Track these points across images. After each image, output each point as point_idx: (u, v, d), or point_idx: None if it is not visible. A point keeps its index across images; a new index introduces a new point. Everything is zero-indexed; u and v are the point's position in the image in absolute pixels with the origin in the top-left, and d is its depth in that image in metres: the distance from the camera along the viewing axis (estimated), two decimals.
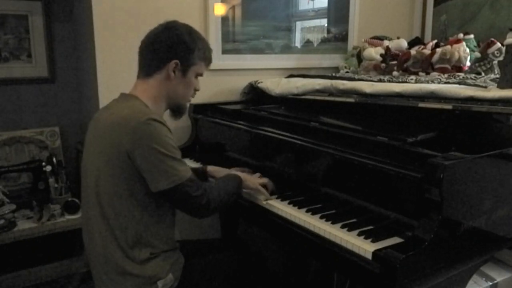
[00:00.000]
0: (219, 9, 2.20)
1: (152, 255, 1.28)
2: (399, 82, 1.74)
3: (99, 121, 1.33)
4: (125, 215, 1.24)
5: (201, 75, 1.42)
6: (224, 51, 2.24)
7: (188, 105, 1.47)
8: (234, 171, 1.57)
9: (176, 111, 1.44)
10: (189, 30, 1.37)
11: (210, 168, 1.65)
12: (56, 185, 2.21)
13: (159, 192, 1.22)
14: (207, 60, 1.42)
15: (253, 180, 1.50)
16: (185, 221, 1.40)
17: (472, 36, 2.02)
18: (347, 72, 2.39)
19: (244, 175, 1.50)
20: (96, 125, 1.33)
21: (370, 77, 2.01)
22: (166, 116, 1.41)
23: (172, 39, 1.32)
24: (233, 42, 2.28)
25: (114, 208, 1.24)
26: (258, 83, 2.20)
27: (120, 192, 1.23)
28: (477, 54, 1.84)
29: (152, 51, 1.33)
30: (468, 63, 1.89)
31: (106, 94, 1.98)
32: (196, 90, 1.43)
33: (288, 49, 2.46)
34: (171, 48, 1.31)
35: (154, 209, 1.27)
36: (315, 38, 2.56)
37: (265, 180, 1.51)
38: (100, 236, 1.27)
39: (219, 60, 2.21)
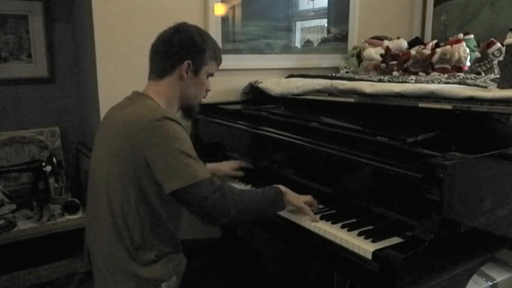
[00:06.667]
0: (219, 9, 2.20)
1: (157, 257, 1.27)
2: (399, 82, 1.74)
3: (112, 119, 1.32)
4: (133, 216, 1.23)
5: (212, 75, 1.42)
6: (224, 51, 2.23)
7: (199, 106, 1.46)
8: (276, 185, 1.40)
9: (188, 111, 1.44)
10: (199, 31, 1.38)
11: (209, 166, 1.63)
12: (56, 185, 2.21)
13: (173, 192, 1.18)
14: (218, 59, 1.42)
15: (297, 196, 1.36)
16: (185, 221, 1.40)
17: (472, 36, 2.02)
18: (347, 72, 2.39)
19: (286, 189, 1.36)
20: (108, 123, 1.32)
21: (370, 77, 2.01)
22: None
23: (183, 40, 1.32)
24: (233, 42, 2.28)
25: (123, 208, 1.23)
26: (258, 83, 2.20)
27: (130, 191, 1.22)
28: (477, 54, 1.84)
29: (164, 53, 1.33)
30: (468, 63, 1.89)
31: (106, 94, 1.98)
32: (207, 90, 1.44)
33: (288, 49, 2.46)
34: (183, 49, 1.32)
35: (162, 212, 1.26)
36: (315, 38, 2.56)
37: (308, 198, 1.37)
38: (107, 235, 1.26)
39: None
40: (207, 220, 1.24)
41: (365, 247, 1.10)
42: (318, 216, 1.31)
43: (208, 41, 1.38)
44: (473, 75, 1.79)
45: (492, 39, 1.81)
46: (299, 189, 1.48)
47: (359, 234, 1.17)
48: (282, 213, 1.37)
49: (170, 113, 1.27)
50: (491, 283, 1.61)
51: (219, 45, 2.20)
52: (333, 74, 2.32)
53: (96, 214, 1.30)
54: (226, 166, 1.71)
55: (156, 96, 1.32)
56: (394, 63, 2.07)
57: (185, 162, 1.18)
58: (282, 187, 1.37)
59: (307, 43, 2.54)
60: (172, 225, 1.31)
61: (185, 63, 1.32)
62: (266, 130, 1.69)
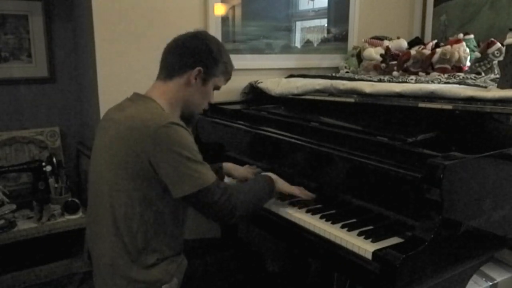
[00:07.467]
0: (219, 9, 2.20)
1: (159, 260, 1.27)
2: (399, 82, 1.74)
3: (112, 122, 1.29)
4: (137, 220, 1.22)
5: (218, 88, 1.42)
6: None
7: (198, 115, 1.46)
8: (265, 173, 1.48)
9: (187, 119, 1.41)
10: (218, 43, 1.39)
11: (226, 166, 1.64)
12: (56, 185, 2.21)
13: (183, 197, 1.19)
14: (228, 75, 1.42)
15: (286, 183, 1.43)
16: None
17: (472, 36, 2.02)
18: (347, 72, 2.39)
19: (276, 176, 1.43)
20: (109, 126, 1.29)
21: (370, 77, 2.01)
22: None
23: (200, 46, 1.33)
24: (233, 42, 2.28)
25: (126, 212, 1.22)
26: (258, 83, 2.20)
27: (134, 196, 1.21)
28: (477, 54, 1.84)
29: (178, 54, 1.33)
30: (468, 63, 1.89)
31: (106, 94, 1.98)
32: (209, 103, 1.43)
33: (288, 49, 2.46)
34: (197, 55, 1.32)
35: (167, 215, 1.26)
36: (315, 38, 2.56)
37: (299, 187, 1.45)
38: (108, 240, 1.25)
39: None
40: (216, 220, 1.29)
41: (365, 247, 1.10)
42: (317, 216, 1.31)
43: (223, 54, 1.38)
44: (473, 75, 1.79)
45: (492, 39, 1.81)
46: None
47: (359, 234, 1.17)
48: (283, 213, 1.37)
49: (175, 117, 1.26)
50: (491, 283, 1.61)
51: None
52: (333, 74, 2.32)
53: (97, 217, 1.29)
54: (243, 171, 1.64)
55: (159, 98, 1.30)
56: (394, 63, 2.07)
57: (193, 168, 1.18)
58: (272, 175, 1.42)
59: (307, 43, 2.54)
60: (177, 228, 1.30)
61: (196, 69, 1.31)
62: (266, 130, 1.69)
